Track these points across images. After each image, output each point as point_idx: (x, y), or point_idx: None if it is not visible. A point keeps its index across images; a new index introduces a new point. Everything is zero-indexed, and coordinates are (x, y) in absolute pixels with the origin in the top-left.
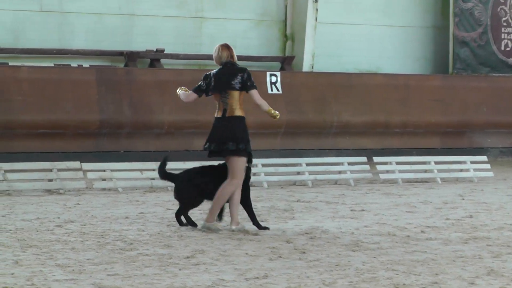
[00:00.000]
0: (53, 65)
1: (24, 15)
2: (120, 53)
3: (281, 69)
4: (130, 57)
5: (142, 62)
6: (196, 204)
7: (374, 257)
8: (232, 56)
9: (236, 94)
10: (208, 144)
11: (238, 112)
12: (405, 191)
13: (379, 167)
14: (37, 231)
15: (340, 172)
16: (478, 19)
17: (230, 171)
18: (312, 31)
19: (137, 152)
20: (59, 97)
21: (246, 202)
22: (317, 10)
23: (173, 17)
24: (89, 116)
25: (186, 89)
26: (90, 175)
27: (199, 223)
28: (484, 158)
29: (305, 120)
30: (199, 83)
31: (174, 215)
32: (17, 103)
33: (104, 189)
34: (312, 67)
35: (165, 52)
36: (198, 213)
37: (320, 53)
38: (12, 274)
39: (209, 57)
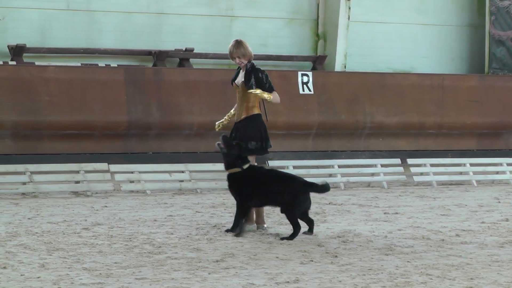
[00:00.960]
0: (80, 64)
1: (51, 14)
2: (149, 53)
3: (313, 68)
4: (159, 57)
5: (171, 62)
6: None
7: (408, 261)
8: None
9: None
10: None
11: None
12: (439, 193)
13: (413, 169)
14: (64, 234)
15: (373, 174)
16: None
17: None
18: (345, 30)
19: (166, 153)
20: (87, 97)
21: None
22: (349, 8)
23: (202, 16)
24: (117, 117)
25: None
26: (118, 177)
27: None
28: None
29: (337, 121)
30: (269, 80)
31: (202, 218)
32: (44, 103)
33: (132, 191)
34: (345, 67)
35: (194, 51)
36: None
37: (352, 53)
38: (38, 277)
39: None
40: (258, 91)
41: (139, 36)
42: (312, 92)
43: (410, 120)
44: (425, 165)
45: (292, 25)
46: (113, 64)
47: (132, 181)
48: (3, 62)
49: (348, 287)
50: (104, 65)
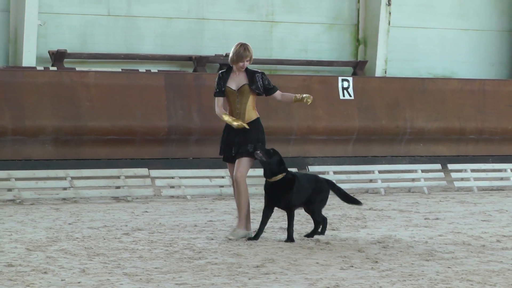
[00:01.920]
0: (120, 70)
1: (92, 19)
2: (189, 58)
3: (353, 74)
4: (199, 62)
5: (211, 67)
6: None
7: (449, 267)
8: None
9: None
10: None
11: None
12: (480, 199)
13: (453, 175)
14: (104, 239)
15: (413, 180)
16: None
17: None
18: (385, 35)
19: (206, 159)
20: (127, 103)
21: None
22: (390, 13)
23: (243, 21)
24: (157, 122)
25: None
26: (158, 182)
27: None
28: None
29: (377, 127)
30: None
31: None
32: (85, 109)
33: (172, 196)
34: (385, 72)
35: None
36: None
37: (393, 58)
38: (79, 282)
39: (280, 62)
40: (309, 97)
41: (179, 42)
42: (352, 98)
43: (450, 126)
44: (465, 170)
45: (333, 31)
46: (154, 69)
47: (172, 187)
48: (44, 67)
49: None
50: (145, 71)
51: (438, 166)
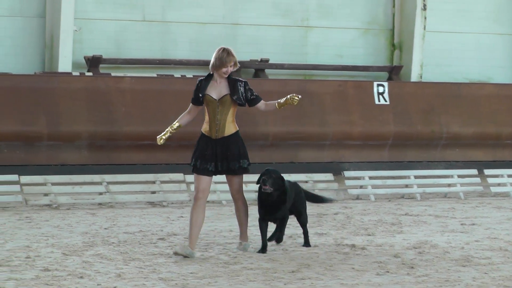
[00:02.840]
0: (155, 75)
1: (127, 25)
2: None
3: (389, 79)
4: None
5: (247, 72)
6: None
7: (485, 273)
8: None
9: None
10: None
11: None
12: None
13: (490, 180)
14: (140, 244)
15: (449, 185)
16: None
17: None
18: (420, 40)
19: None
20: (162, 108)
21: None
22: (425, 18)
23: (278, 26)
24: (193, 128)
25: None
26: (193, 187)
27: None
28: None
29: (413, 132)
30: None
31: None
32: (120, 114)
33: (207, 201)
34: (421, 77)
35: (269, 62)
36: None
37: (428, 63)
38: (115, 287)
39: (315, 67)
40: (293, 96)
41: (214, 47)
42: (387, 103)
43: (486, 131)
44: (502, 175)
45: (368, 35)
46: (189, 74)
47: None
48: (80, 73)
49: None
50: (180, 76)
51: (474, 171)
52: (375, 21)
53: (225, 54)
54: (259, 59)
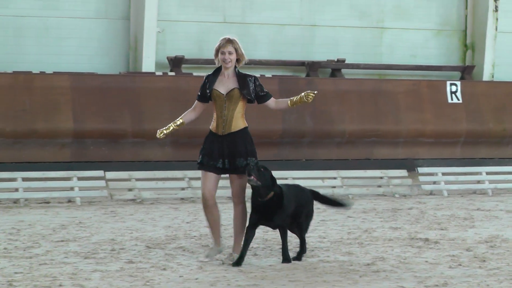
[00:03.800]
0: None
1: (208, 26)
2: (302, 63)
3: (461, 78)
4: (311, 67)
5: (323, 72)
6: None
7: None
8: None
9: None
10: None
11: None
12: None
13: None
14: (221, 237)
15: None
16: None
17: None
18: (492, 41)
19: (319, 160)
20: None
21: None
22: (497, 19)
23: (353, 28)
24: (271, 126)
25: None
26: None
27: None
28: None
29: (485, 130)
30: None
31: (353, 223)
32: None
33: None
34: (492, 76)
35: (345, 62)
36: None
37: (500, 63)
38: (196, 279)
39: (389, 67)
40: (309, 93)
41: (292, 48)
42: (460, 101)
43: None
44: None
45: (441, 36)
46: (268, 74)
47: None
48: (163, 73)
49: None
50: (259, 76)
51: None
52: (448, 22)
53: (223, 41)
54: (335, 59)
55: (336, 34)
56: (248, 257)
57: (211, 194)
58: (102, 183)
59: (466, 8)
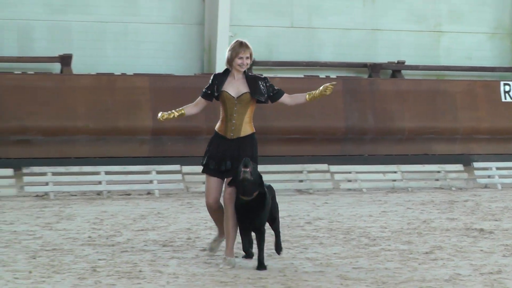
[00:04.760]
0: (303, 76)
1: (277, 31)
2: (364, 65)
3: None
4: (373, 69)
5: (384, 73)
6: None
7: None
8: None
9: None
10: None
11: None
12: None
13: None
14: (289, 227)
15: None
16: None
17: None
18: None
19: (380, 155)
20: (308, 105)
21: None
22: None
23: (413, 32)
24: (335, 123)
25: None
26: (336, 176)
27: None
28: None
29: None
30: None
31: (413, 214)
32: (270, 110)
33: (349, 189)
34: None
35: (405, 63)
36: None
37: None
38: (266, 265)
39: (446, 68)
40: (327, 86)
41: (355, 50)
42: None
43: None
44: None
45: (494, 39)
46: (332, 75)
47: (349, 181)
48: None
49: None
50: (324, 77)
51: None
52: (501, 26)
53: (237, 44)
54: (396, 61)
55: (397, 38)
56: (314, 246)
57: (215, 201)
58: (178, 176)
59: None
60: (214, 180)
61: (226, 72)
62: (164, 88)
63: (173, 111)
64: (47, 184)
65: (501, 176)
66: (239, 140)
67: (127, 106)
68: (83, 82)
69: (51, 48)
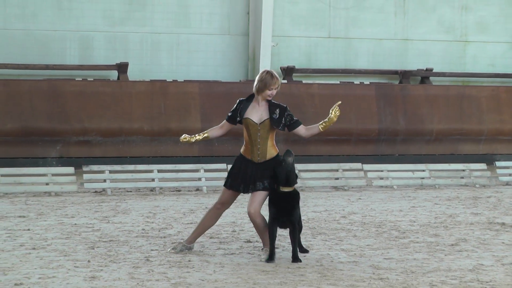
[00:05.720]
0: (339, 82)
1: (315, 41)
2: (395, 72)
3: None
4: (404, 75)
5: (414, 79)
6: None
7: None
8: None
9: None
10: None
11: None
12: None
13: None
14: (325, 221)
15: None
16: None
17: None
18: None
19: (410, 155)
20: (345, 109)
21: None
22: None
23: (441, 41)
24: (369, 125)
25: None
26: (370, 174)
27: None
28: None
29: None
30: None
31: (440, 209)
32: (310, 114)
33: (381, 186)
34: None
35: (433, 70)
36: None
37: None
38: (304, 256)
39: (472, 75)
40: (335, 110)
41: (388, 59)
42: None
43: None
44: None
45: None
46: (366, 82)
47: (381, 178)
48: None
49: None
50: (359, 83)
51: None
52: None
53: (268, 76)
54: (424, 68)
55: (426, 47)
56: (349, 238)
57: (224, 207)
58: (225, 174)
59: None
60: (229, 193)
61: (251, 98)
62: (212, 93)
63: (196, 135)
64: (105, 181)
65: None
66: (266, 163)
67: (179, 109)
68: (138, 88)
69: (109, 56)
